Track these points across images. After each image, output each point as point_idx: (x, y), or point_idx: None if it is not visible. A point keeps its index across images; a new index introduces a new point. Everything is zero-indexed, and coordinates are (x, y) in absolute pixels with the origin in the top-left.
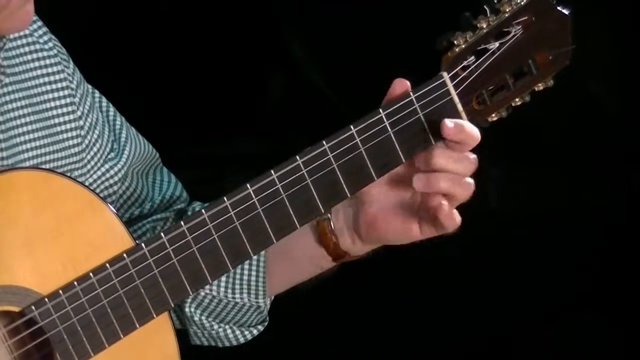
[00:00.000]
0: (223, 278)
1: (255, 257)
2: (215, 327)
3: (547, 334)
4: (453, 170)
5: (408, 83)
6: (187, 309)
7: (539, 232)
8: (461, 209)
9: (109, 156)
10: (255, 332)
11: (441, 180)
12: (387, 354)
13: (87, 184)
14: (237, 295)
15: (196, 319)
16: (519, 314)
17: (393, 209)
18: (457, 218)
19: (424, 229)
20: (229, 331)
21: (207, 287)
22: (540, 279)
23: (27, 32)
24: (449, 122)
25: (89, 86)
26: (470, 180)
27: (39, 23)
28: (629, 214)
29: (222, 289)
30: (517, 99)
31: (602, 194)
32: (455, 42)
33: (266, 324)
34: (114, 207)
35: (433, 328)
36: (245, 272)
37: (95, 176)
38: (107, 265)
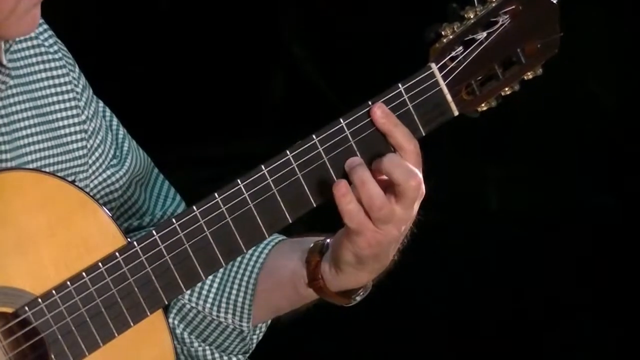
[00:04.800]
0: (211, 295)
1: (245, 280)
2: (195, 344)
3: (547, 333)
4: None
5: None
6: (170, 320)
7: (538, 232)
8: (461, 208)
9: (112, 162)
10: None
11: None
12: (385, 354)
13: (89, 188)
14: (222, 315)
15: (178, 332)
16: (518, 314)
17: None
18: (359, 217)
19: (344, 234)
20: (207, 352)
21: (194, 300)
22: (539, 279)
23: (32, 35)
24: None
25: (94, 95)
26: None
27: (45, 26)
28: (629, 214)
29: (208, 305)
30: (506, 89)
31: (601, 194)
32: (442, 33)
33: (248, 355)
34: (114, 215)
35: (432, 328)
36: (234, 292)
37: (96, 181)
38: (100, 264)
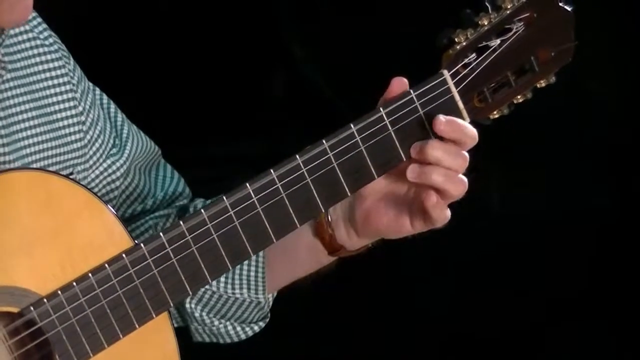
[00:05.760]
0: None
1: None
2: (216, 323)
3: (547, 334)
4: (447, 164)
5: (406, 82)
6: (187, 306)
7: (539, 232)
8: (462, 209)
9: (111, 152)
10: (256, 328)
11: (434, 173)
12: (385, 355)
13: (89, 179)
14: (237, 291)
15: (197, 315)
16: (518, 314)
17: (387, 202)
18: (447, 212)
19: (414, 223)
20: (229, 327)
21: None
22: (539, 280)
23: (27, 27)
24: (442, 118)
25: (90, 83)
26: (464, 178)
27: (39, 19)
28: (629, 214)
29: (222, 285)
30: (519, 96)
31: (602, 194)
32: (456, 39)
33: (267, 320)
34: (117, 203)
35: (432, 328)
36: (245, 268)
37: (97, 172)
38: (106, 265)
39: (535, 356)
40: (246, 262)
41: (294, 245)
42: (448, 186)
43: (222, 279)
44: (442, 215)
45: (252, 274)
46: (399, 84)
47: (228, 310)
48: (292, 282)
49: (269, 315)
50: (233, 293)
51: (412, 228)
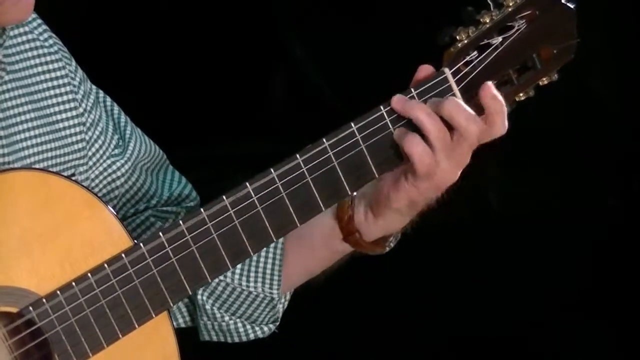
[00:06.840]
0: (238, 265)
1: (272, 246)
2: (226, 318)
3: (547, 334)
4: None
5: (432, 68)
6: (199, 297)
7: (539, 232)
8: (462, 208)
9: (114, 152)
10: (266, 329)
11: (416, 108)
12: (385, 353)
13: (90, 179)
14: (252, 284)
15: (207, 307)
16: (518, 314)
17: (396, 177)
18: (428, 158)
19: (407, 177)
20: (239, 325)
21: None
22: (540, 279)
23: (27, 29)
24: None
25: (93, 85)
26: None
27: (39, 21)
28: (629, 214)
29: (237, 277)
30: (520, 94)
31: (602, 194)
32: (457, 37)
33: (277, 323)
34: (119, 203)
35: (431, 328)
36: (262, 260)
37: (97, 171)
38: (105, 265)
39: (535, 356)
40: (263, 254)
41: (310, 234)
42: (428, 124)
43: (237, 270)
44: (424, 159)
45: (269, 267)
46: (425, 70)
47: (240, 306)
48: (306, 280)
49: (279, 319)
50: (247, 286)
51: (407, 183)
